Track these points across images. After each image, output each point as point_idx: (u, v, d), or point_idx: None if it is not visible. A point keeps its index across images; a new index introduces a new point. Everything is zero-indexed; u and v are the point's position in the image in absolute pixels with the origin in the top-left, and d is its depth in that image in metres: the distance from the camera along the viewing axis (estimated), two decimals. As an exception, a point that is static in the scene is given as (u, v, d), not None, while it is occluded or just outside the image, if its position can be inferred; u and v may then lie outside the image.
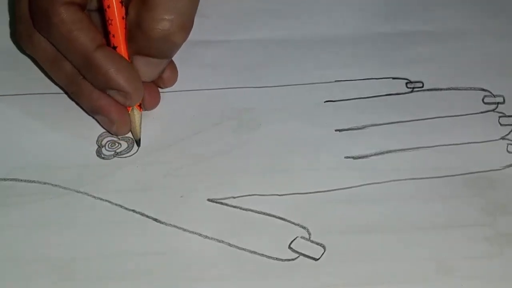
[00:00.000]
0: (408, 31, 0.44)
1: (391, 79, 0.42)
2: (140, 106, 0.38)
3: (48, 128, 0.39)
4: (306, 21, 0.45)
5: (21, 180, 0.37)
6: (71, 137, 0.39)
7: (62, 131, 0.39)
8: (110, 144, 0.38)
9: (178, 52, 0.42)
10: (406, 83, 0.41)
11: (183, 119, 0.39)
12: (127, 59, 0.37)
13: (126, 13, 0.36)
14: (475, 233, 0.35)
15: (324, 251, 0.34)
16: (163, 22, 0.35)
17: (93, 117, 0.39)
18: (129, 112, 0.38)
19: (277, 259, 0.34)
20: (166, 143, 0.38)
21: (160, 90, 0.40)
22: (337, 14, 0.46)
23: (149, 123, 0.39)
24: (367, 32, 0.44)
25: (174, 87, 0.41)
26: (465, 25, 0.45)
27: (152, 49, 0.36)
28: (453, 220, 0.35)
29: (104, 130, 0.39)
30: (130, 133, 0.39)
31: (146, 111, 0.39)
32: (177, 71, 0.40)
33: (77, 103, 0.39)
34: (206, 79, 0.42)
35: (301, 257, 0.34)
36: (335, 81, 0.42)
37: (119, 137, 0.39)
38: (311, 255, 0.34)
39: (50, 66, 0.38)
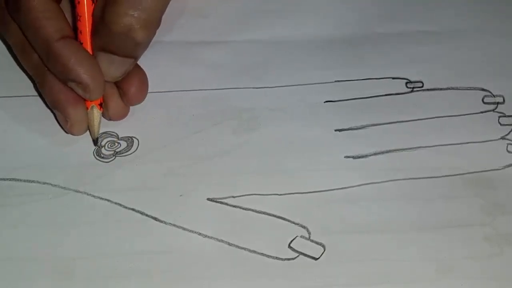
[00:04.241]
0: (408, 31, 0.44)
1: (391, 79, 0.42)
2: (100, 105, 0.38)
3: (48, 129, 0.39)
4: (306, 21, 0.45)
5: (21, 180, 0.37)
6: (71, 137, 0.39)
7: (61, 131, 0.39)
8: (109, 144, 0.38)
9: (178, 52, 0.42)
10: (406, 83, 0.41)
11: (183, 118, 0.39)
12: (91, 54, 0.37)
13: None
14: (475, 233, 0.35)
15: (324, 251, 0.34)
16: (126, 17, 0.34)
17: (53, 112, 0.39)
18: (88, 110, 0.37)
19: (276, 258, 0.34)
20: (166, 143, 0.38)
21: (159, 90, 0.40)
22: (337, 14, 0.46)
23: (149, 122, 0.39)
24: (367, 32, 0.44)
25: (174, 86, 0.41)
26: (465, 25, 0.45)
27: (114, 45, 0.36)
28: (453, 220, 0.35)
29: (103, 131, 0.39)
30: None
31: (146, 109, 0.39)
32: (146, 89, 0.39)
33: (41, 96, 0.39)
34: (206, 79, 0.42)
35: (301, 256, 0.34)
36: (335, 81, 0.42)
37: (119, 137, 0.39)
38: (311, 255, 0.34)
39: (20, 53, 0.38)
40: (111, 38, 0.35)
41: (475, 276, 0.33)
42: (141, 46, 0.36)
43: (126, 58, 0.37)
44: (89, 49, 0.37)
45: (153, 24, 0.36)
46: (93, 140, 0.38)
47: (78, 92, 0.36)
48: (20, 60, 0.39)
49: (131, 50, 0.36)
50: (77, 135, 0.38)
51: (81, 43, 0.37)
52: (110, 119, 0.39)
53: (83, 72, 0.36)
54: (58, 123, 0.38)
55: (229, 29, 0.44)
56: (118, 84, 0.38)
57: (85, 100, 0.37)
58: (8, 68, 0.42)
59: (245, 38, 0.44)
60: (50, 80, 0.37)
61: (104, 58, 0.36)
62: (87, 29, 0.36)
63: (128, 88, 0.38)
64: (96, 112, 0.37)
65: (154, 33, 0.36)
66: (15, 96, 0.41)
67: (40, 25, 0.36)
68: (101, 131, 0.39)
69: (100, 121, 0.38)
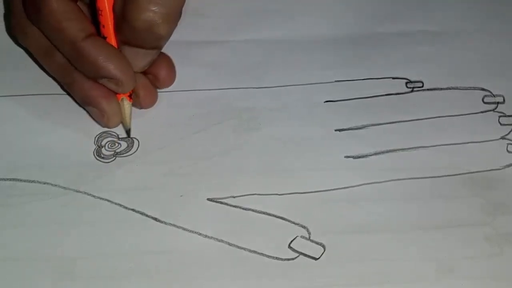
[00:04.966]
0: (408, 31, 0.44)
1: (391, 79, 0.42)
2: (130, 97, 0.38)
3: (48, 128, 0.39)
4: (306, 21, 0.45)
5: (21, 180, 0.37)
6: (71, 137, 0.39)
7: (62, 131, 0.39)
8: (110, 144, 0.38)
9: (178, 52, 0.42)
10: (406, 83, 0.41)
11: (183, 118, 0.39)
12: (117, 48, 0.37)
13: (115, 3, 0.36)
14: (475, 233, 0.35)
15: (324, 251, 0.34)
16: (147, 12, 0.35)
17: (85, 109, 0.39)
18: (120, 102, 0.38)
19: (277, 258, 0.34)
20: (166, 143, 0.38)
21: (159, 90, 0.40)
22: (337, 14, 0.46)
23: (149, 123, 0.39)
24: (367, 32, 0.44)
25: (174, 87, 0.41)
26: (465, 25, 0.45)
27: (138, 40, 0.36)
28: (453, 220, 0.35)
29: (104, 131, 0.39)
30: (123, 128, 0.39)
31: (146, 110, 0.40)
32: (175, 72, 0.40)
33: (70, 95, 0.40)
34: (206, 79, 0.42)
35: (301, 256, 0.34)
36: (335, 81, 0.42)
37: (119, 137, 0.39)
38: (311, 255, 0.34)
39: (43, 57, 0.39)
40: (134, 34, 0.36)
41: (475, 276, 0.33)
42: (164, 38, 0.37)
43: (150, 49, 0.37)
44: (113, 41, 0.37)
45: (174, 17, 0.36)
46: (126, 131, 0.39)
47: (111, 87, 0.37)
48: (43, 63, 0.39)
49: (155, 43, 0.37)
50: (113, 127, 0.39)
51: (105, 37, 0.37)
52: (141, 108, 0.39)
53: (113, 68, 0.36)
54: (92, 118, 0.39)
55: (229, 29, 0.45)
56: (147, 71, 0.39)
57: (116, 92, 0.38)
58: (8, 68, 0.42)
59: (245, 38, 0.44)
60: (78, 78, 0.37)
61: (129, 51, 0.37)
62: (110, 22, 0.37)
63: (158, 72, 0.39)
64: (127, 104, 0.38)
65: (176, 25, 0.36)
66: (16, 96, 0.41)
67: (63, 27, 0.36)
68: (101, 131, 0.39)
69: (131, 111, 0.38)
